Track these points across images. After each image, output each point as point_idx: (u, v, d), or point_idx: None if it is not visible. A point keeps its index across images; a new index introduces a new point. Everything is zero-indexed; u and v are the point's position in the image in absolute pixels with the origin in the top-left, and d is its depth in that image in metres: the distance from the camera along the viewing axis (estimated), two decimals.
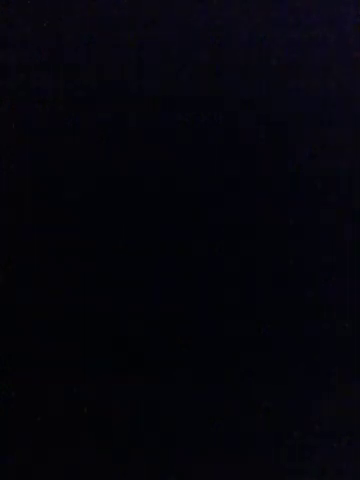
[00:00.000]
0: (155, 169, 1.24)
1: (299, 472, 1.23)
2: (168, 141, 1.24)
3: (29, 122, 1.24)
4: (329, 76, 1.26)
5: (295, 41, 1.26)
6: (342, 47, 1.26)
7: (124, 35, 1.25)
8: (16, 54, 1.25)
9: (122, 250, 1.23)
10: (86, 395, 1.22)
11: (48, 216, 1.23)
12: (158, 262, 1.23)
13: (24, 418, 1.21)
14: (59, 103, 1.24)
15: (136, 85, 1.25)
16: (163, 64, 1.25)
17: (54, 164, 1.24)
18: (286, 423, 1.23)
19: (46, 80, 1.24)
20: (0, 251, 1.23)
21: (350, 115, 1.26)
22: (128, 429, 1.22)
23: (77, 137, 1.24)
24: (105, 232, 1.23)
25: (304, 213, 1.25)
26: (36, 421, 1.21)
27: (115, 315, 1.22)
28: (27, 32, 1.25)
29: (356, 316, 1.24)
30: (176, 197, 1.24)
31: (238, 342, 1.23)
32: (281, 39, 1.26)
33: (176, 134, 1.24)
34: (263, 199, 1.25)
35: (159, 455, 1.22)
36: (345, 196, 1.25)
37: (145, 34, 1.25)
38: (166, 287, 1.23)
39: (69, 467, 1.21)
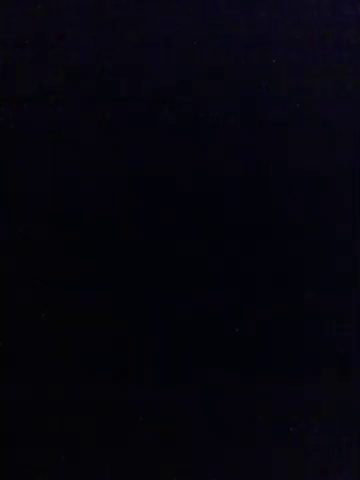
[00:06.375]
0: (154, 169, 1.24)
1: (299, 472, 1.23)
2: (167, 141, 1.24)
3: (29, 122, 1.24)
4: (329, 76, 1.26)
5: (295, 41, 1.26)
6: (342, 47, 1.27)
7: (124, 34, 1.25)
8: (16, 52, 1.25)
9: (121, 250, 1.23)
10: (85, 395, 1.22)
11: (46, 216, 1.23)
12: (158, 263, 1.23)
13: (22, 418, 1.22)
14: (59, 103, 1.24)
15: (136, 85, 1.25)
16: (163, 64, 1.25)
17: (53, 164, 1.24)
18: (286, 422, 1.23)
19: (45, 79, 1.24)
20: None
21: (350, 115, 1.26)
22: (127, 429, 1.22)
23: (76, 137, 1.24)
24: (104, 232, 1.23)
25: (303, 213, 1.25)
26: (34, 421, 1.22)
27: (115, 315, 1.23)
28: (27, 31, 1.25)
29: (356, 316, 1.24)
30: (175, 197, 1.24)
31: (237, 342, 1.23)
32: (281, 39, 1.26)
33: (175, 134, 1.24)
34: (263, 199, 1.25)
35: (159, 455, 1.22)
36: (345, 196, 1.25)
37: (145, 33, 1.25)
38: (165, 288, 1.23)
39: (68, 467, 1.21)
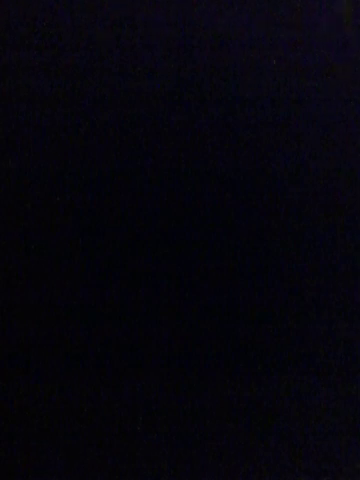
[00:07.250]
0: (154, 170, 1.24)
1: (299, 472, 1.23)
2: (167, 141, 1.24)
3: (29, 122, 1.24)
4: (329, 76, 1.26)
5: (295, 41, 1.26)
6: (342, 47, 1.27)
7: (124, 35, 1.25)
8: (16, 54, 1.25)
9: (122, 250, 1.23)
10: (85, 395, 1.22)
11: (46, 215, 1.23)
12: (158, 262, 1.24)
13: (23, 418, 1.22)
14: (59, 103, 1.24)
15: (136, 85, 1.25)
16: (163, 64, 1.25)
17: (53, 164, 1.24)
18: (286, 423, 1.23)
19: (46, 80, 1.24)
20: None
21: (350, 115, 1.26)
22: (126, 429, 1.22)
23: (76, 137, 1.24)
24: (104, 232, 1.23)
25: (303, 213, 1.25)
26: (34, 421, 1.22)
27: (115, 315, 1.23)
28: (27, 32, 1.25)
29: (356, 316, 1.24)
30: (175, 197, 1.24)
31: (237, 342, 1.23)
32: (281, 39, 1.26)
33: (175, 134, 1.24)
34: (263, 199, 1.25)
35: (158, 455, 1.22)
36: (345, 196, 1.25)
37: (145, 34, 1.25)
38: (165, 287, 1.23)
39: (68, 467, 1.21)
